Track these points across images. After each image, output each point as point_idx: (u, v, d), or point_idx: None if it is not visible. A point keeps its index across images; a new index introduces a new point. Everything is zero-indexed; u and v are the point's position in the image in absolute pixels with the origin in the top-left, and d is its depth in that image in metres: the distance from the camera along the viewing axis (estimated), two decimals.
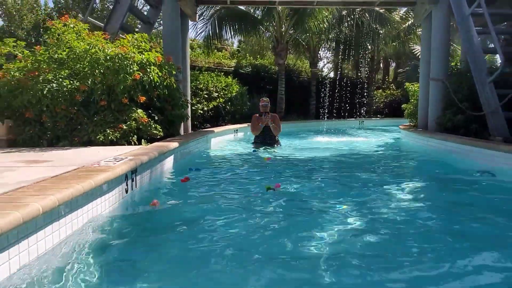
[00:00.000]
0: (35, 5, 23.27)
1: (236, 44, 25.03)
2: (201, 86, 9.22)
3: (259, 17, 13.20)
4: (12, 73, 4.30)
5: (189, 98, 7.62)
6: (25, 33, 21.40)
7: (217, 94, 9.54)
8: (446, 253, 2.06)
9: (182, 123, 6.66)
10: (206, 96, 9.21)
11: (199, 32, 12.63)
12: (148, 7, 8.37)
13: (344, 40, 15.04)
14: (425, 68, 8.00)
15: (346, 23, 14.88)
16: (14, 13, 22.24)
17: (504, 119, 5.40)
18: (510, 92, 5.34)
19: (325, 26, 13.56)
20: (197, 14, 8.57)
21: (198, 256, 2.01)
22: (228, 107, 10.03)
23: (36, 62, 4.48)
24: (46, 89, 4.27)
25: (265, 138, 7.06)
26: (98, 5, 21.69)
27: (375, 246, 2.14)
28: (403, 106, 9.54)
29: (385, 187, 3.61)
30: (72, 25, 4.72)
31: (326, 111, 15.71)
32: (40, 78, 4.27)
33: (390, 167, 5.36)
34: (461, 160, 5.23)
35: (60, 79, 4.40)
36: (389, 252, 2.10)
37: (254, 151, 6.51)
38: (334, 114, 15.84)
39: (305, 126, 12.81)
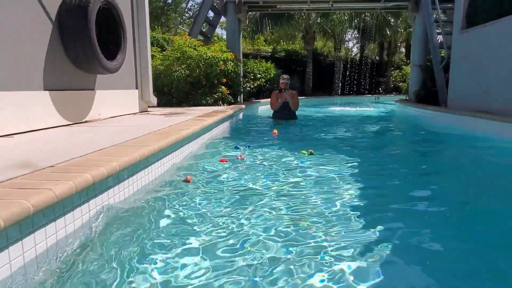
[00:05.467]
0: None
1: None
2: (249, 70, 12.68)
3: (291, 13, 16.38)
4: (158, 66, 7.96)
5: (241, 79, 11.12)
6: None
7: (260, 75, 12.99)
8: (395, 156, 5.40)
9: (239, 96, 10.22)
10: (252, 77, 12.68)
11: (242, 27, 16.01)
12: (213, 14, 11.86)
13: (364, 28, 17.93)
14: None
15: (363, 15, 17.71)
16: None
17: (446, 93, 8.53)
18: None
19: (345, 17, 16.55)
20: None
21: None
22: (267, 85, 13.45)
23: (167, 60, 8.11)
24: (175, 75, 7.91)
25: (284, 113, 7.53)
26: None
27: (367, 147, 5.46)
28: (400, 84, 12.61)
29: (367, 130, 6.98)
30: (189, 39, 8.34)
31: (347, 88, 18.83)
32: (173, 69, 7.91)
33: (377, 121, 8.74)
34: (418, 118, 8.48)
35: (180, 70, 8.02)
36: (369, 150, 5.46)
37: (273, 124, 7.22)
38: (354, 91, 18.94)
39: (329, 100, 16.09)
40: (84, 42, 3.89)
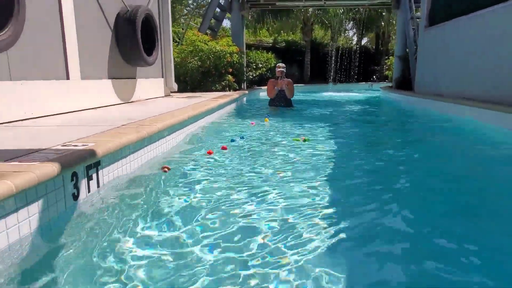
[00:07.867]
0: None
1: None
2: (251, 60, 14.23)
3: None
4: (175, 59, 9.54)
5: (245, 69, 12.67)
6: None
7: (261, 65, 14.53)
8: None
9: (243, 84, 11.81)
10: (254, 67, 14.23)
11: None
12: (219, 10, 13.35)
13: (358, 20, 19.35)
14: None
15: (355, 9, 19.10)
16: None
17: None
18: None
19: (340, 11, 17.97)
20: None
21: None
22: (268, 74, 14.99)
23: (182, 53, 9.70)
24: (189, 66, 9.50)
25: (280, 101, 7.77)
26: None
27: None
28: (386, 73, 14.12)
29: (352, 107, 8.60)
30: (200, 35, 9.90)
31: (342, 76, 20.32)
32: (187, 61, 9.50)
33: (359, 103, 10.34)
34: (396, 101, 10.07)
35: (193, 61, 9.60)
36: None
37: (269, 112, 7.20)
38: (349, 79, 20.44)
39: (324, 87, 17.64)
40: (133, 46, 5.50)
